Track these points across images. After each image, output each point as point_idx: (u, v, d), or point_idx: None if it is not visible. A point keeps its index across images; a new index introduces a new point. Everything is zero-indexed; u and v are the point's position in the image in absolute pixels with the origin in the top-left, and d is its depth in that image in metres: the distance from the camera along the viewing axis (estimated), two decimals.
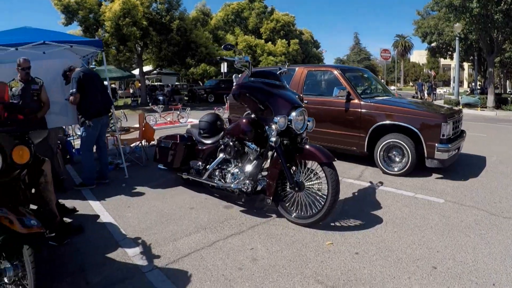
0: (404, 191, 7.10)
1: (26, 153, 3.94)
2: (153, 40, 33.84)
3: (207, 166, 6.68)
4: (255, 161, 5.92)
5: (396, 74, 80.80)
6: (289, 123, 5.44)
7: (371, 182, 7.70)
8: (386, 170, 8.30)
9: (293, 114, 5.44)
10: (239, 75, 13.68)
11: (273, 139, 5.45)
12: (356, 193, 7.02)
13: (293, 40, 55.51)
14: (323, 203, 5.34)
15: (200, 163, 6.87)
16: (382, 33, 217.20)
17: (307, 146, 5.48)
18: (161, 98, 33.58)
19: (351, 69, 11.65)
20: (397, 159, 8.23)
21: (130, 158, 9.95)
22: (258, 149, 5.86)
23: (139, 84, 40.18)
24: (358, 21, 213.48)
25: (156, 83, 52.44)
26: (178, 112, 20.08)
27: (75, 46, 8.91)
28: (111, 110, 8.74)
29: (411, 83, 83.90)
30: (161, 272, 4.42)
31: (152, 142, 10.99)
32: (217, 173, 6.46)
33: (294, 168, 5.62)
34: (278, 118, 5.36)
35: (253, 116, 5.97)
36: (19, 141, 3.91)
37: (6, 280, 3.59)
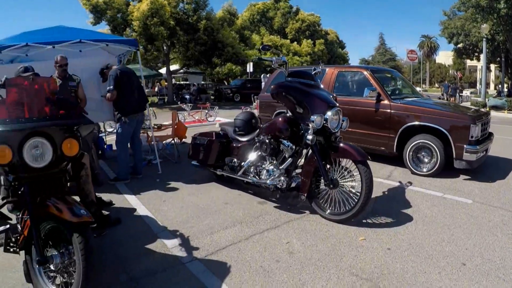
0: (432, 191, 7.20)
1: (75, 146, 4.05)
2: (180, 40, 34.08)
3: (242, 163, 6.87)
4: (290, 158, 6.11)
5: (422, 75, 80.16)
6: (324, 122, 5.63)
7: (400, 182, 7.81)
8: (415, 171, 8.40)
9: (329, 113, 5.64)
10: (267, 75, 13.85)
11: (310, 137, 5.66)
12: (386, 192, 7.16)
13: (318, 40, 55.41)
14: (356, 200, 5.51)
15: (235, 159, 7.05)
16: (407, 34, 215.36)
17: (342, 145, 5.66)
18: (187, 97, 33.80)
19: (381, 70, 11.74)
20: (426, 160, 8.32)
21: (162, 154, 10.17)
22: (294, 147, 6.04)
23: (165, 83, 40.53)
24: (383, 21, 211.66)
25: (182, 82, 52.77)
26: (207, 111, 20.27)
27: (111, 44, 9.16)
28: (146, 108, 8.95)
29: (436, 85, 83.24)
30: (201, 263, 4.60)
31: (184, 140, 11.25)
32: (252, 170, 6.64)
33: (328, 166, 5.79)
34: (315, 117, 5.56)
35: (288, 114, 6.17)
36: (69, 134, 4.03)
37: (52, 267, 3.79)
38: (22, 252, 4.11)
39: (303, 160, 6.21)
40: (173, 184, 8.01)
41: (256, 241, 5.13)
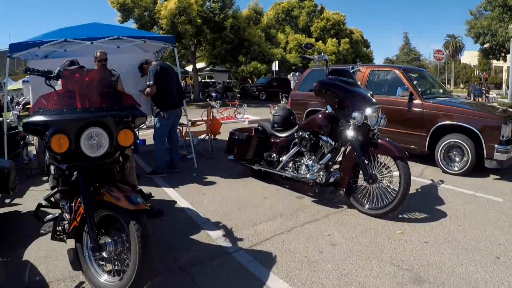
0: (464, 190, 7.33)
1: (130, 137, 4.15)
2: (207, 38, 34.41)
3: (281, 158, 7.09)
4: (329, 154, 6.31)
5: (447, 75, 79.50)
6: (364, 119, 5.85)
7: (432, 180, 7.95)
8: (446, 169, 8.52)
9: (369, 110, 5.87)
10: (296, 73, 14.02)
11: (351, 133, 5.91)
12: (419, 189, 7.31)
13: (343, 40, 55.28)
14: (394, 195, 5.70)
15: (274, 155, 7.26)
16: (432, 33, 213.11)
17: (381, 141, 5.88)
18: (213, 94, 34.10)
19: (412, 70, 11.79)
20: (457, 159, 8.44)
21: (196, 149, 10.40)
22: (333, 143, 6.24)
23: (190, 81, 40.87)
24: (408, 20, 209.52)
25: (207, 80, 53.13)
26: (235, 108, 20.51)
27: (148, 41, 9.43)
28: (184, 103, 9.19)
29: (461, 85, 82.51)
30: (247, 253, 4.80)
31: (218, 135, 11.50)
32: (290, 165, 6.88)
33: (367, 161, 5.98)
34: (356, 114, 5.79)
35: (327, 111, 6.37)
36: (124, 125, 4.13)
37: (104, 255, 3.88)
38: (68, 241, 4.34)
39: (341, 155, 6.42)
40: (209, 178, 8.26)
41: (298, 233, 5.34)
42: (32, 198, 7.22)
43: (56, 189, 4.28)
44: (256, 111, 23.85)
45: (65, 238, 4.37)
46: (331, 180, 6.31)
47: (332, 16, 58.04)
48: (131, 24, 34.37)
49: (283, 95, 21.57)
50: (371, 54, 67.40)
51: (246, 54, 36.67)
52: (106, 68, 7.95)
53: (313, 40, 52.85)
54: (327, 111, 6.43)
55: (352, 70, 6.65)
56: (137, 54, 9.97)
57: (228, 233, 5.40)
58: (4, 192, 5.61)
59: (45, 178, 8.62)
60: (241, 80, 57.22)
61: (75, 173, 4.11)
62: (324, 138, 6.31)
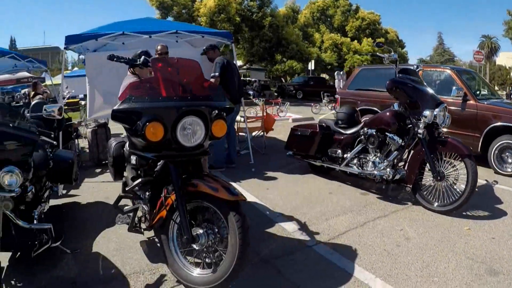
0: None
1: (224, 128, 4.15)
2: (245, 36, 34.69)
3: (345, 155, 7.28)
4: (395, 151, 6.50)
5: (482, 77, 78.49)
6: (433, 117, 6.06)
7: (486, 180, 8.03)
8: (499, 170, 8.63)
9: (437, 109, 6.07)
10: (341, 72, 14.20)
11: (421, 131, 6.10)
12: (476, 189, 7.45)
13: (379, 39, 54.83)
14: (460, 193, 5.89)
15: (339, 151, 7.42)
16: (467, 33, 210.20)
17: (450, 139, 6.07)
18: (251, 92, 34.33)
19: (464, 70, 11.83)
20: (510, 160, 8.55)
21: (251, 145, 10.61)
22: (400, 140, 6.44)
23: None
24: (442, 20, 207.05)
25: (244, 78, 53.40)
26: (278, 106, 20.72)
27: (206, 36, 9.70)
28: (241, 100, 9.41)
29: (496, 87, 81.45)
30: (326, 246, 4.96)
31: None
32: (355, 161, 7.09)
33: (434, 159, 6.17)
34: (427, 112, 6.01)
35: (394, 109, 6.58)
36: (218, 116, 4.10)
37: (195, 247, 3.88)
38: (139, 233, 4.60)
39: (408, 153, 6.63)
40: (269, 173, 8.47)
41: (372, 228, 5.54)
42: (88, 190, 7.46)
43: (140, 180, 4.33)
44: (297, 109, 24.13)
45: (142, 230, 4.58)
46: (397, 177, 6.49)
47: (368, 15, 57.64)
48: None
49: (325, 94, 21.74)
50: (406, 54, 66.86)
51: (283, 52, 36.88)
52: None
53: (348, 39, 52.70)
54: (394, 109, 6.63)
55: (417, 70, 6.86)
56: (186, 49, 10.26)
57: (303, 227, 5.56)
58: (67, 182, 5.66)
59: (98, 170, 9.00)
60: (274, 79, 57.27)
61: (159, 163, 4.16)
62: (392, 135, 6.48)
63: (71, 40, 8.91)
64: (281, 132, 13.92)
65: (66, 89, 16.86)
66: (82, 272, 4.39)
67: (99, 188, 7.49)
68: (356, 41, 53.05)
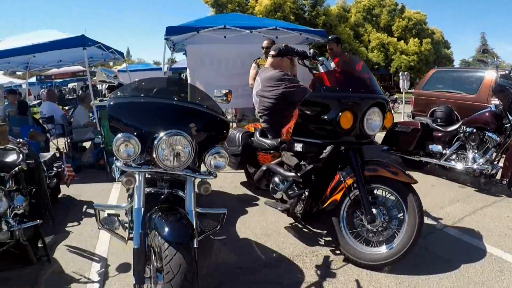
0: None
1: (391, 119, 4.73)
2: None
3: (444, 151, 7.79)
4: (493, 148, 7.06)
5: None
6: None
7: None
8: None
9: None
10: (405, 73, 14.68)
11: None
12: None
13: (425, 40, 54.31)
14: None
15: (440, 147, 7.90)
16: (510, 34, 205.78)
17: None
18: None
19: None
20: None
21: None
22: (498, 138, 6.96)
23: None
24: (485, 20, 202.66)
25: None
26: None
27: (303, 34, 10.24)
28: None
29: None
30: (454, 229, 5.53)
31: None
32: (453, 157, 7.62)
33: None
34: None
35: (493, 110, 7.20)
36: (388, 108, 4.58)
37: (369, 227, 4.43)
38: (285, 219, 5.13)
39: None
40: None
41: (482, 215, 6.05)
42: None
43: (312, 166, 4.79)
44: None
45: (299, 214, 5.00)
46: (493, 172, 7.03)
47: (414, 15, 57.16)
48: None
49: (386, 93, 22.10)
50: (451, 55, 66.25)
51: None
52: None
53: (394, 39, 52.61)
54: (492, 110, 7.19)
55: (510, 74, 7.40)
56: (244, 46, 10.50)
57: (426, 214, 5.88)
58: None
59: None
60: None
61: (325, 150, 4.66)
62: (491, 134, 7.02)
63: (171, 31, 9.48)
64: None
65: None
66: (240, 257, 4.76)
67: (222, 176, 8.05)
68: (402, 41, 52.87)
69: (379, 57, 48.15)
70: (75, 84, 37.65)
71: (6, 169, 4.71)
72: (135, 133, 3.33)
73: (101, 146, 9.42)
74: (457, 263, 4.51)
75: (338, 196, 4.48)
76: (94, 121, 10.51)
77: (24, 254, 4.47)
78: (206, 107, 3.88)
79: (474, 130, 7.25)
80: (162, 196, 3.62)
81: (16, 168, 4.72)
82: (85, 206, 6.84)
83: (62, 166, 6.92)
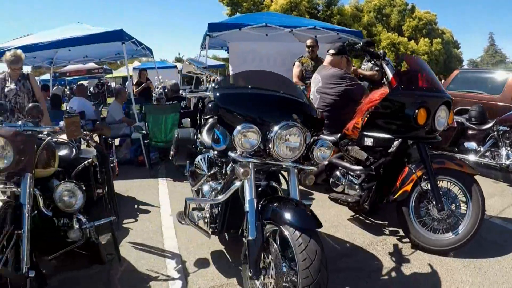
0: None
1: (424, 116, 4.79)
2: None
3: (478, 148, 8.21)
4: None
5: None
6: None
7: None
8: None
9: None
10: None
11: None
12: None
13: (435, 40, 54.35)
14: None
15: (474, 144, 8.31)
16: None
17: None
18: None
19: None
20: None
21: None
22: None
23: None
24: (493, 20, 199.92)
25: None
26: None
27: (341, 34, 10.61)
28: None
29: None
30: (498, 219, 6.01)
31: None
32: (487, 154, 8.05)
33: None
34: None
35: None
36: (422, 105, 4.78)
37: (436, 215, 4.79)
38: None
39: None
40: None
41: None
42: None
43: (383, 159, 5.14)
44: None
45: (365, 206, 5.31)
46: None
47: (424, 15, 57.03)
48: None
49: None
50: (461, 55, 66.23)
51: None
52: (316, 55, 8.89)
53: (405, 39, 52.58)
54: None
55: None
56: (284, 44, 10.88)
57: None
58: None
59: None
60: None
61: (393, 145, 5.00)
62: None
63: (214, 28, 9.79)
64: None
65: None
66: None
67: None
68: (413, 41, 52.96)
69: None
70: (87, 81, 37.73)
71: (76, 163, 4.90)
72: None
73: (145, 142, 9.57)
74: (509, 247, 4.93)
75: (408, 187, 4.83)
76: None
77: (91, 253, 4.39)
78: (307, 100, 4.06)
79: (508, 129, 7.69)
80: (259, 189, 3.76)
81: (86, 162, 4.85)
82: (133, 203, 7.04)
83: (114, 161, 6.88)
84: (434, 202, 4.76)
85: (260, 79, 4.32)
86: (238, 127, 3.33)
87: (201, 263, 4.77)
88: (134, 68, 32.49)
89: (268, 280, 3.34)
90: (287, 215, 3.19)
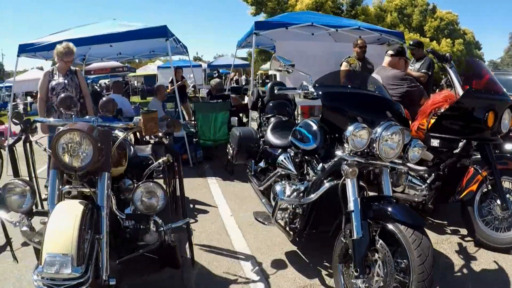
0: None
1: (492, 118, 5.03)
2: None
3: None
4: None
5: None
6: None
7: None
8: None
9: None
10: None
11: None
12: None
13: (457, 40, 54.01)
14: None
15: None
16: None
17: None
18: None
19: None
20: None
21: None
22: None
23: None
24: None
25: None
26: None
27: (383, 34, 10.62)
28: None
29: None
30: None
31: None
32: None
33: None
34: None
35: None
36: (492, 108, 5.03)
37: (493, 213, 5.03)
38: None
39: None
40: None
41: None
42: None
43: (451, 160, 5.33)
44: None
45: (432, 207, 5.49)
46: None
47: (445, 15, 56.63)
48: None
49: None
50: (483, 56, 65.68)
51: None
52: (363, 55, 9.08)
53: (427, 40, 52.15)
54: None
55: None
56: (328, 43, 11.18)
57: None
58: None
59: None
60: None
61: (460, 144, 5.24)
62: None
63: (260, 27, 10.00)
64: None
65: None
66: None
67: None
68: (435, 41, 52.58)
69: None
70: (109, 80, 37.88)
71: (134, 162, 4.86)
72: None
73: (194, 140, 9.68)
74: None
75: (474, 187, 4.98)
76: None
77: (166, 256, 4.25)
78: (394, 101, 4.24)
79: None
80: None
81: (161, 160, 4.77)
82: (188, 203, 6.95)
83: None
84: (498, 202, 4.97)
85: (352, 78, 4.45)
86: (351, 127, 3.42)
87: (278, 265, 4.80)
88: (158, 67, 32.73)
89: (374, 278, 3.40)
90: (395, 213, 3.29)
